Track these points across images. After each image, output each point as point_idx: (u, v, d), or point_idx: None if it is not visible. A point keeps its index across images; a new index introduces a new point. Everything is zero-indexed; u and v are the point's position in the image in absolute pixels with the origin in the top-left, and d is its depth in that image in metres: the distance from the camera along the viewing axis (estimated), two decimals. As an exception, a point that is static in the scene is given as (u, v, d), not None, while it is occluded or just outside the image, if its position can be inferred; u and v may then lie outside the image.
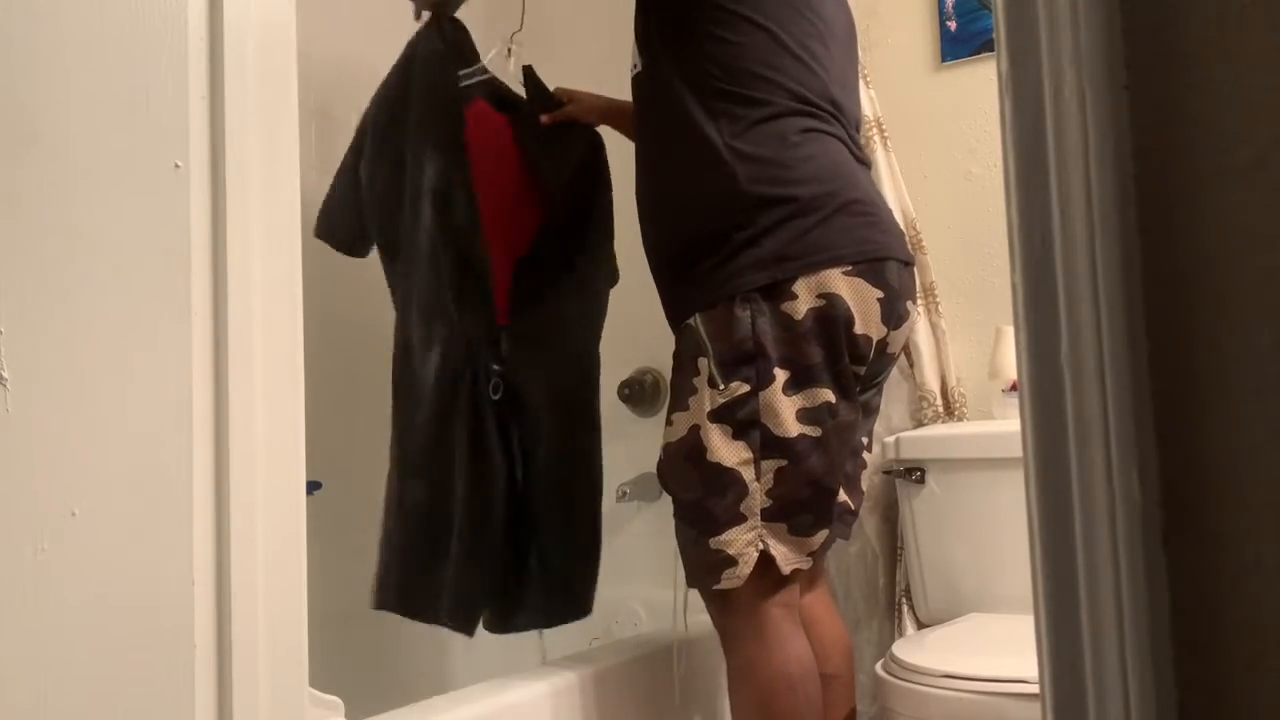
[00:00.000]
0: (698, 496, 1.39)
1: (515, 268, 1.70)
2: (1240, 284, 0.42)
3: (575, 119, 1.76)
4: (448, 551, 1.58)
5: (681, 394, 1.43)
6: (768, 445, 1.36)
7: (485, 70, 1.74)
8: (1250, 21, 0.43)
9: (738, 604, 1.40)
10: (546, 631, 1.72)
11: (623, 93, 1.65)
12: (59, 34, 0.92)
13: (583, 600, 1.68)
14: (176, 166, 0.96)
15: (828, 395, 1.37)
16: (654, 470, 1.49)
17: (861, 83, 2.03)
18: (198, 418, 0.95)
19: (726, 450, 1.37)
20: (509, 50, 1.80)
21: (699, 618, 1.53)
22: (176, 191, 0.95)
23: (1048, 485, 0.47)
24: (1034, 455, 0.48)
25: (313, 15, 1.37)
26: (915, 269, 1.56)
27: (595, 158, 1.78)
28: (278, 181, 1.03)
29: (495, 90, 1.75)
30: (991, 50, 2.10)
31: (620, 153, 1.80)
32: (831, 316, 1.36)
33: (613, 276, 1.82)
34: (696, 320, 1.42)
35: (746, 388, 1.36)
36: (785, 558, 1.38)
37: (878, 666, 1.63)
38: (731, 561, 1.36)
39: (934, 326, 2.14)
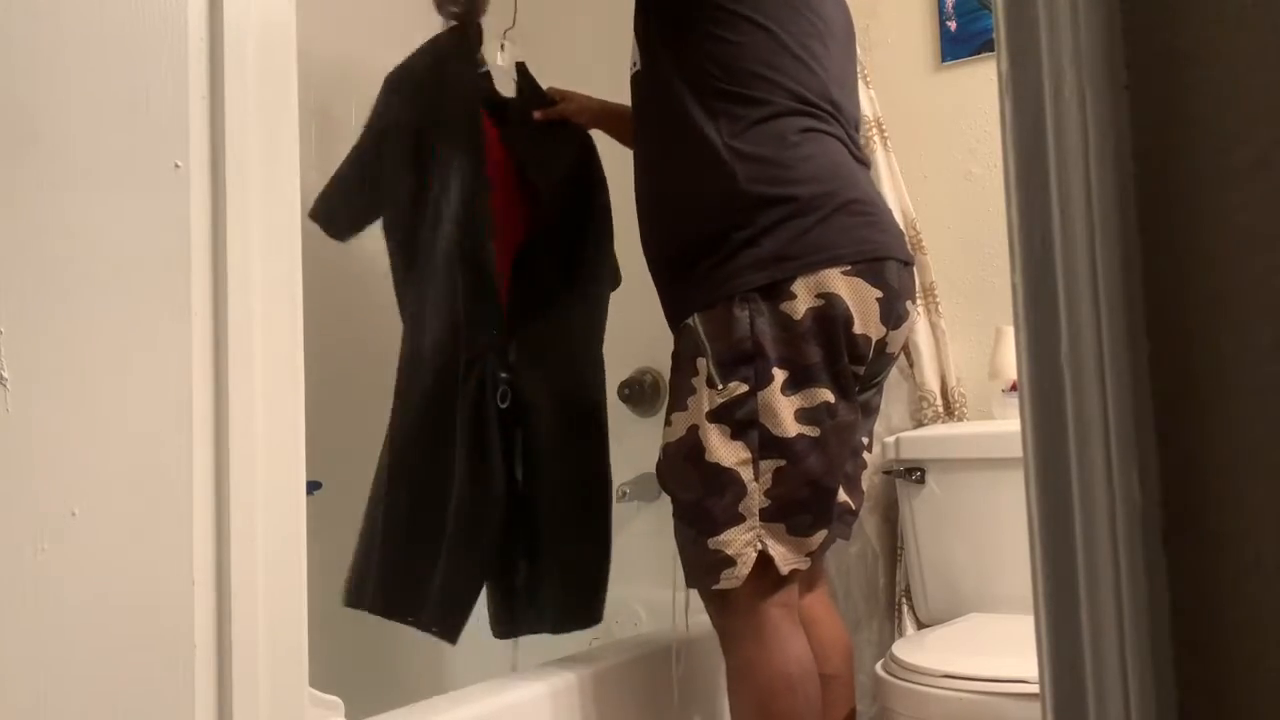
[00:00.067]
0: (697, 497, 1.39)
1: (512, 271, 1.70)
2: (1240, 284, 0.42)
3: (567, 118, 1.76)
4: (436, 555, 1.57)
5: (680, 394, 1.43)
6: (766, 445, 1.36)
7: (489, 73, 1.75)
8: (1250, 21, 0.42)
9: (737, 604, 1.40)
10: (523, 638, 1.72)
11: (616, 93, 1.64)
12: (59, 34, 0.92)
13: (592, 608, 1.68)
14: (176, 166, 0.96)
15: (826, 395, 1.37)
16: (654, 470, 1.49)
17: (861, 83, 2.03)
18: (198, 418, 0.95)
19: (725, 450, 1.37)
20: (501, 46, 1.80)
21: (699, 618, 1.53)
22: (176, 191, 0.95)
23: (1048, 485, 0.47)
24: (1034, 455, 0.48)
25: (313, 15, 1.37)
26: (915, 269, 1.56)
27: (587, 158, 1.77)
28: (278, 181, 1.03)
29: (487, 91, 1.76)
30: (991, 50, 2.10)
31: (618, 154, 1.81)
32: (830, 316, 1.36)
33: (614, 279, 1.82)
34: (695, 320, 1.42)
35: (745, 388, 1.36)
36: (784, 558, 1.38)
37: (878, 666, 1.63)
38: (730, 562, 1.36)
39: (934, 326, 2.14)
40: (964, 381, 2.17)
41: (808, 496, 1.38)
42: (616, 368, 1.84)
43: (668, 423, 1.45)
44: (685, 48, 1.46)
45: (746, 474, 1.36)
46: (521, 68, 1.78)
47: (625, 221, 1.64)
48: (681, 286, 1.46)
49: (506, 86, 1.79)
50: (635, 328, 1.83)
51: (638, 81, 1.55)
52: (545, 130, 1.74)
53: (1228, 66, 0.43)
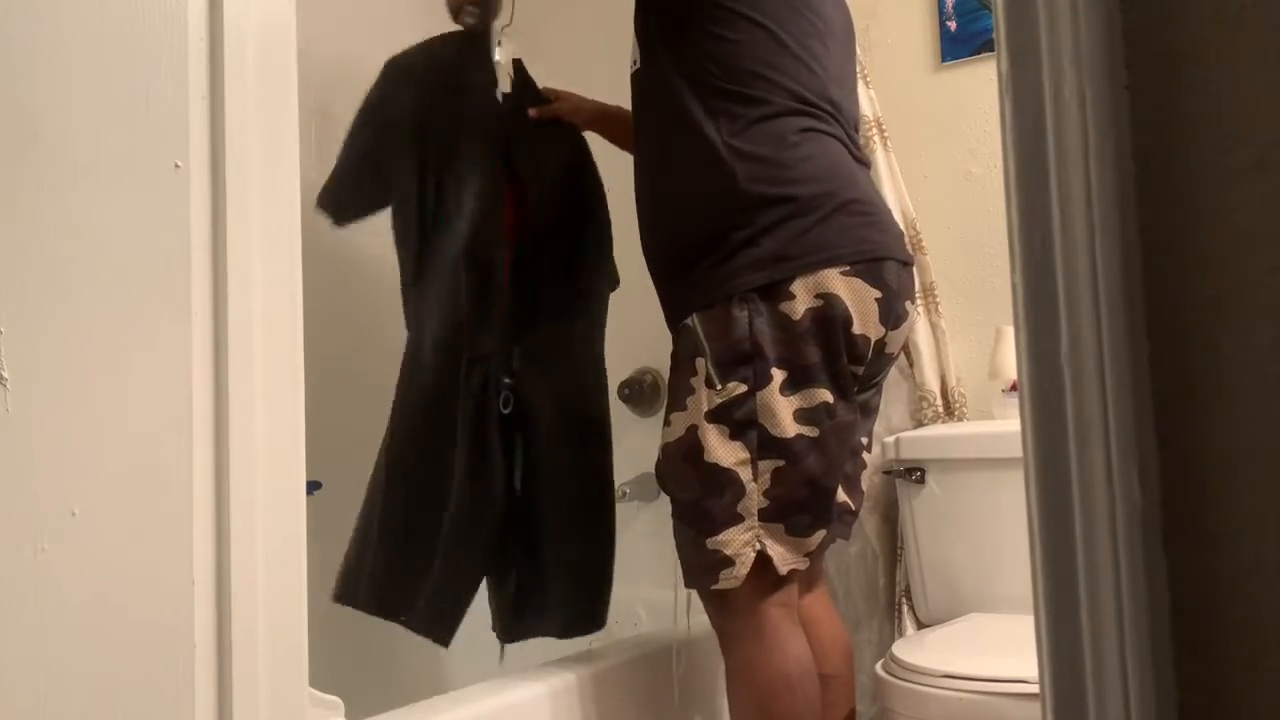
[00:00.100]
0: (695, 497, 1.39)
1: (512, 275, 1.70)
2: (1239, 284, 0.42)
3: (562, 118, 1.76)
4: (432, 557, 1.57)
5: (679, 394, 1.43)
6: (765, 445, 1.36)
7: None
8: (1250, 21, 0.43)
9: (736, 604, 1.40)
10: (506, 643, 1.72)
11: (615, 91, 1.64)
12: (59, 34, 0.92)
13: (596, 614, 1.68)
14: (176, 166, 0.96)
15: (825, 395, 1.37)
16: (653, 470, 1.49)
17: (861, 83, 2.03)
18: (198, 418, 0.95)
19: (724, 450, 1.37)
20: (498, 43, 1.80)
21: (700, 618, 1.53)
22: (176, 191, 0.95)
23: (1048, 485, 0.47)
24: (1034, 455, 0.48)
25: (313, 15, 1.37)
26: (914, 269, 1.56)
27: (581, 160, 1.77)
28: (278, 181, 1.03)
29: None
30: (991, 50, 2.10)
31: (614, 155, 1.81)
32: (829, 317, 1.36)
33: (613, 281, 1.82)
34: (694, 320, 1.41)
35: (744, 388, 1.36)
36: (782, 558, 1.38)
37: (878, 666, 1.63)
38: (729, 562, 1.36)
39: (934, 326, 2.14)
40: (964, 381, 2.17)
41: (806, 497, 1.38)
42: (616, 368, 1.84)
43: (667, 423, 1.45)
44: (684, 46, 1.46)
45: (745, 474, 1.36)
46: (518, 65, 1.78)
47: (624, 221, 1.64)
48: (680, 286, 1.46)
49: (502, 82, 1.79)
50: (635, 328, 1.83)
51: (637, 80, 1.55)
52: (539, 131, 1.74)
53: (1227, 66, 0.43)
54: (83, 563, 0.89)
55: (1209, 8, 0.43)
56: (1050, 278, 0.47)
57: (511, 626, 1.69)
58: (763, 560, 1.37)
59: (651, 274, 1.53)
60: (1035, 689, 0.50)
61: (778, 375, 1.36)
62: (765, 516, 1.37)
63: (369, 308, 1.99)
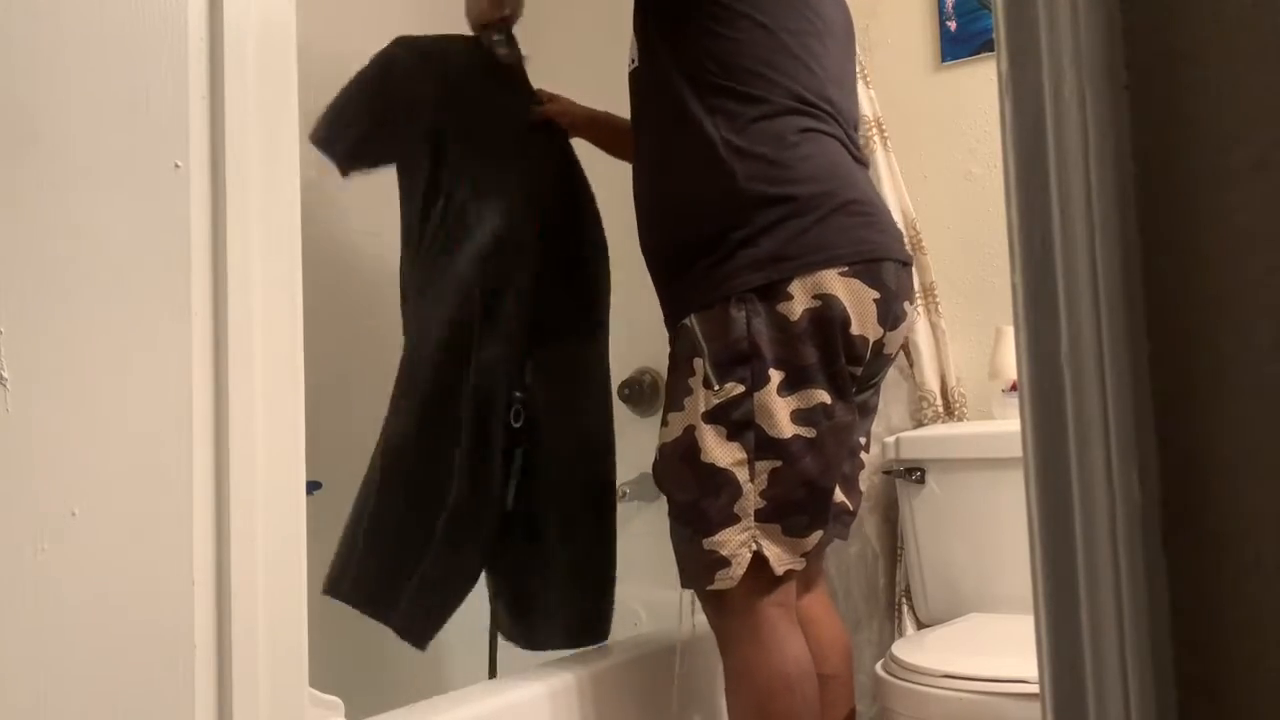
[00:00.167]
0: (692, 497, 1.39)
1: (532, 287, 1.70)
2: (1240, 284, 0.42)
3: (554, 120, 1.76)
4: (420, 560, 1.57)
5: (677, 394, 1.42)
6: (762, 446, 1.36)
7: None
8: (1250, 21, 0.42)
9: (733, 605, 1.40)
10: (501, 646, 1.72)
11: (612, 90, 1.64)
12: (59, 34, 0.92)
13: (598, 626, 1.68)
14: (176, 166, 0.96)
15: (823, 396, 1.37)
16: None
17: (861, 83, 2.03)
18: (198, 418, 0.95)
19: (721, 451, 1.37)
20: (495, 37, 1.80)
21: (702, 618, 1.53)
22: (176, 191, 0.95)
23: (1048, 485, 0.47)
24: (1034, 455, 0.48)
25: (313, 15, 1.37)
26: (914, 269, 1.56)
27: (569, 170, 1.77)
28: (278, 181, 1.03)
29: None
30: (991, 50, 2.10)
31: (607, 157, 1.81)
32: (827, 317, 1.36)
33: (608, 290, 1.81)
34: (692, 321, 1.41)
35: (741, 388, 1.36)
36: (779, 558, 1.37)
37: (878, 666, 1.63)
38: (725, 562, 1.36)
39: (934, 326, 2.14)
40: (964, 381, 2.17)
41: (803, 497, 1.38)
42: (617, 368, 1.84)
43: (664, 423, 1.45)
44: (683, 43, 1.46)
45: (742, 475, 1.36)
46: (512, 38, 1.78)
47: (623, 221, 1.64)
48: (679, 287, 1.46)
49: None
50: (635, 328, 1.83)
51: (635, 79, 1.55)
52: (531, 136, 1.74)
53: (1227, 66, 0.43)
54: (83, 563, 0.89)
55: (1209, 8, 0.43)
56: (1050, 278, 0.47)
57: (513, 632, 1.70)
58: (759, 561, 1.37)
59: (650, 273, 1.53)
60: (1035, 689, 0.50)
61: (775, 376, 1.36)
62: (762, 517, 1.37)
63: (369, 308, 1.99)
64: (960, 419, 2.14)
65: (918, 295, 2.10)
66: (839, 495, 1.48)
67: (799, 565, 1.41)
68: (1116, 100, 0.44)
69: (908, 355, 2.11)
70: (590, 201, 1.77)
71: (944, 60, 2.26)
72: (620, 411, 2.22)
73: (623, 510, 2.20)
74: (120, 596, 0.91)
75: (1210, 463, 0.42)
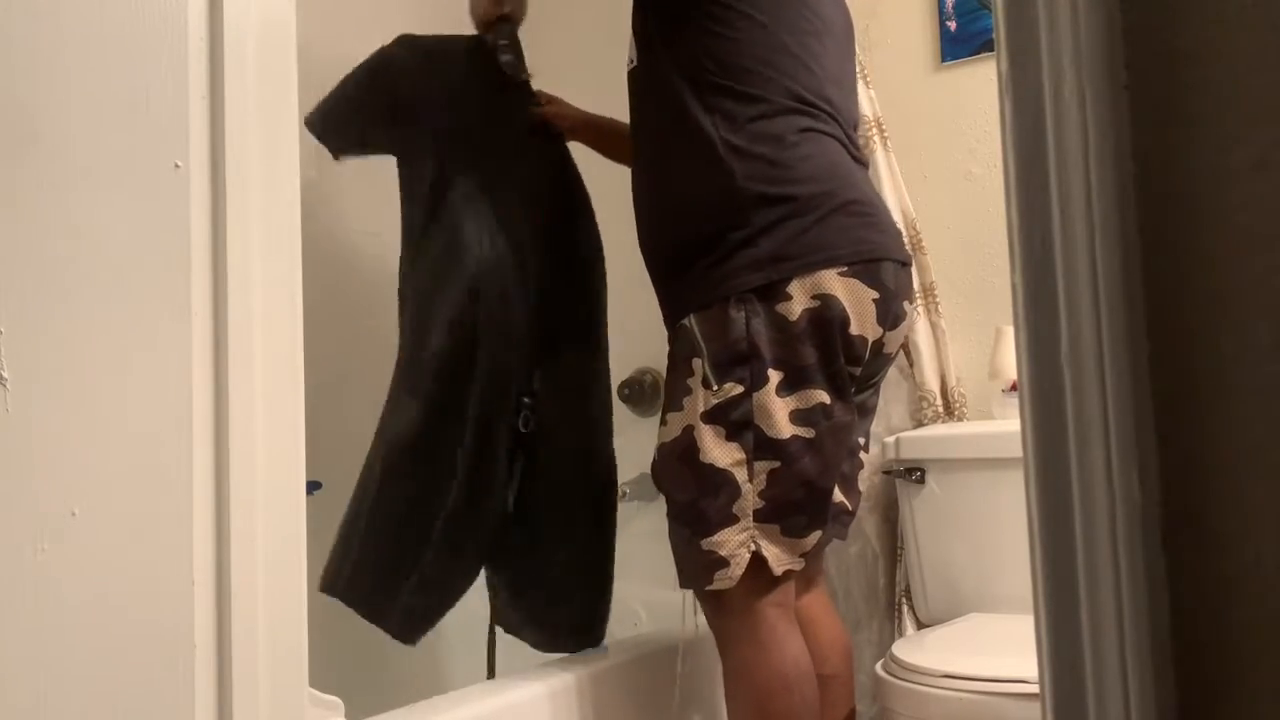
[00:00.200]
0: (691, 497, 1.39)
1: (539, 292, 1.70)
2: (1240, 284, 0.42)
3: (551, 122, 1.76)
4: (418, 559, 1.57)
5: (676, 394, 1.42)
6: (760, 446, 1.36)
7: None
8: (1250, 21, 0.43)
9: (732, 605, 1.40)
10: (500, 647, 1.72)
11: (611, 89, 1.64)
12: (59, 34, 0.92)
13: (596, 629, 1.68)
14: (176, 166, 0.96)
15: (822, 396, 1.37)
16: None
17: (861, 83, 2.03)
18: (198, 418, 0.95)
19: (719, 451, 1.37)
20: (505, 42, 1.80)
21: (701, 618, 1.53)
22: (176, 191, 0.95)
23: (1048, 485, 0.47)
24: (1034, 455, 0.48)
25: (313, 15, 1.37)
26: (914, 269, 1.56)
27: (566, 172, 1.77)
28: (278, 181, 1.03)
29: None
30: (991, 50, 2.10)
31: (603, 159, 1.81)
32: (826, 318, 1.36)
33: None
34: (691, 321, 1.41)
35: (740, 389, 1.36)
36: (777, 559, 1.37)
37: (878, 666, 1.63)
38: (723, 562, 1.36)
39: (934, 326, 2.14)
40: (964, 381, 2.17)
41: (802, 498, 1.38)
42: (617, 367, 1.84)
43: (663, 423, 1.45)
44: (682, 43, 1.45)
45: (740, 475, 1.36)
46: (515, 41, 1.79)
47: (619, 222, 1.64)
48: (678, 287, 1.46)
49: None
50: (635, 328, 1.83)
51: (634, 78, 1.55)
52: (526, 142, 1.74)
53: (1228, 66, 0.43)
54: (83, 563, 0.89)
55: (1209, 8, 0.43)
56: (1050, 278, 0.47)
57: (512, 625, 1.70)
58: (758, 561, 1.37)
59: (649, 274, 1.53)
60: (1035, 689, 0.50)
61: (774, 376, 1.36)
62: (760, 517, 1.37)
63: (369, 308, 1.99)
64: (960, 419, 2.14)
65: (918, 295, 2.10)
66: (838, 495, 1.48)
67: (798, 565, 1.41)
68: (1116, 100, 0.44)
69: (908, 355, 2.11)
70: (586, 203, 1.77)
71: (944, 60, 2.26)
72: (620, 411, 2.22)
73: (623, 510, 2.20)
74: (120, 596, 0.91)
75: (1210, 463, 0.42)
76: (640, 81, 1.54)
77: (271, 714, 0.98)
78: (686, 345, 1.42)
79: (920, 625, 2.01)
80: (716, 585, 1.37)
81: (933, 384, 2.12)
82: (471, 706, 1.44)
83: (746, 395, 1.36)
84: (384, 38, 1.73)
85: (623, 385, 2.28)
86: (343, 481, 1.62)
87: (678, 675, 1.63)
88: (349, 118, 1.68)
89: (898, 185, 2.14)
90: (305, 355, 1.06)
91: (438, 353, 1.60)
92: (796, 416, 1.36)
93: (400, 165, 1.70)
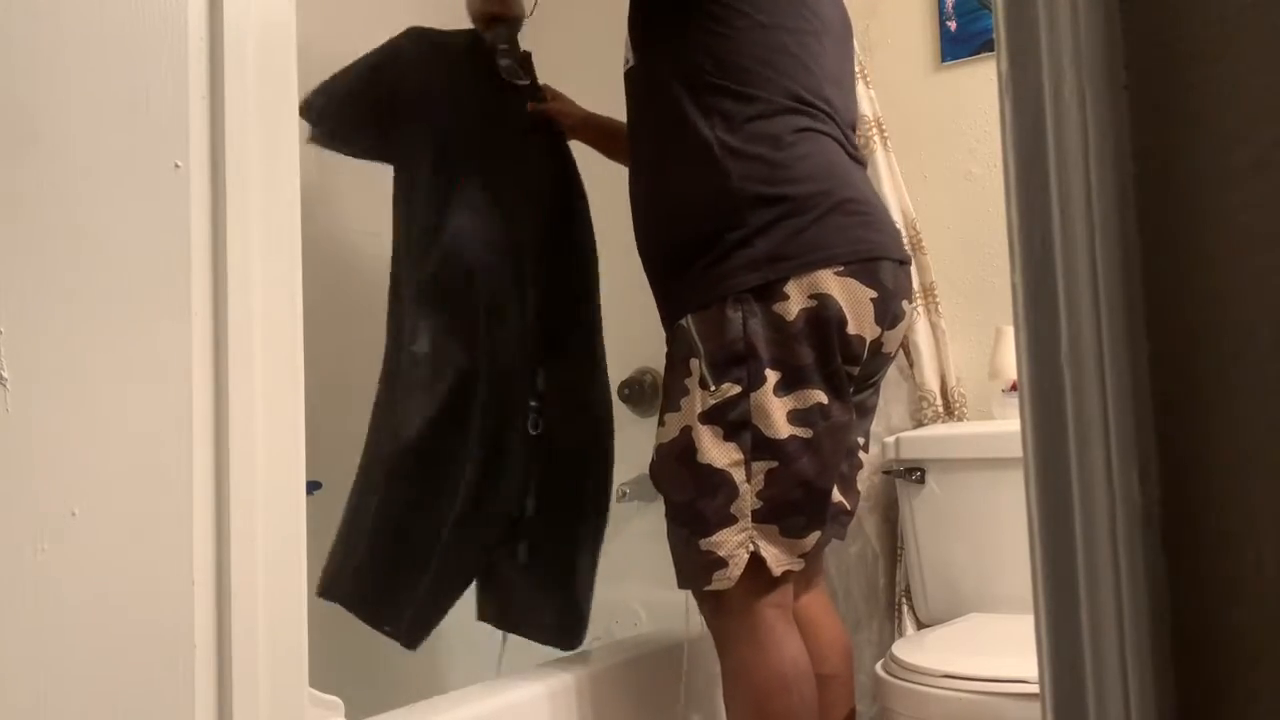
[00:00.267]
0: (689, 498, 1.39)
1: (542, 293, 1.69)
2: (1240, 284, 0.42)
3: (554, 117, 1.76)
4: (424, 564, 1.56)
5: (673, 395, 1.42)
6: (758, 446, 1.36)
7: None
8: (1250, 21, 0.43)
9: (730, 605, 1.40)
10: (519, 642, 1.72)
11: (611, 89, 1.64)
12: (59, 34, 0.92)
13: (578, 630, 1.68)
14: (176, 166, 0.96)
15: (819, 396, 1.37)
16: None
17: (861, 83, 2.03)
18: (198, 418, 0.95)
19: (717, 451, 1.36)
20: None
21: (699, 618, 1.53)
22: (176, 191, 0.95)
23: (1048, 485, 0.47)
24: (1034, 455, 0.48)
25: (313, 15, 1.37)
26: (913, 268, 1.56)
27: (566, 172, 1.76)
28: (278, 181, 1.03)
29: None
30: (991, 50, 2.10)
31: (603, 159, 1.81)
32: (823, 317, 1.36)
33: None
34: (689, 321, 1.41)
35: (737, 389, 1.36)
36: (776, 559, 1.37)
37: (878, 666, 1.63)
38: (722, 563, 1.36)
39: (934, 326, 2.14)
40: (964, 381, 2.17)
41: (800, 498, 1.38)
42: (617, 368, 1.84)
43: (661, 423, 1.45)
44: (680, 42, 1.45)
45: (738, 475, 1.36)
46: (527, 58, 1.78)
47: (618, 222, 1.64)
48: (675, 287, 1.46)
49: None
50: (635, 328, 1.83)
51: (631, 78, 1.55)
52: (527, 140, 1.73)
53: (1228, 66, 0.43)
54: (83, 563, 0.89)
55: (1209, 8, 0.43)
56: (1050, 278, 0.47)
57: (489, 613, 1.69)
58: (756, 561, 1.37)
59: (647, 274, 1.52)
60: (1035, 689, 0.50)
61: (771, 376, 1.36)
62: (759, 518, 1.37)
63: (369, 308, 1.99)
64: (960, 419, 2.14)
65: (918, 295, 2.10)
66: (837, 495, 1.48)
67: (797, 566, 1.41)
68: (1116, 100, 0.44)
69: (908, 355, 2.11)
70: (583, 203, 1.76)
71: (944, 60, 2.26)
72: (620, 411, 2.22)
73: (623, 510, 2.20)
74: (120, 596, 0.91)
75: (1210, 463, 0.42)
76: (637, 82, 1.53)
77: (271, 714, 0.98)
78: (684, 346, 1.42)
79: (920, 625, 2.01)
80: (715, 586, 1.37)
81: (933, 384, 2.12)
82: (471, 706, 1.44)
83: (744, 395, 1.36)
84: (383, 38, 1.73)
85: (623, 385, 2.28)
86: (343, 481, 1.62)
87: (683, 674, 1.63)
88: (348, 108, 1.67)
89: (898, 185, 2.14)
90: (305, 355, 1.06)
91: (438, 356, 1.59)
92: (794, 416, 1.36)
93: (396, 163, 1.69)
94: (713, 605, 1.42)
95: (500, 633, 1.72)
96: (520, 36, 1.80)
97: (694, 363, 1.39)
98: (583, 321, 1.74)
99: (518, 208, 1.66)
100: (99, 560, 0.90)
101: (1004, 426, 1.97)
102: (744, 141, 1.39)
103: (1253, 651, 0.42)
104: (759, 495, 1.36)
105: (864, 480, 1.59)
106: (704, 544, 1.37)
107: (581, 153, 1.82)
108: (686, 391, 1.40)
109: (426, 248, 1.62)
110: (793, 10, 1.45)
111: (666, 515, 1.44)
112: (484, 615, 1.70)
